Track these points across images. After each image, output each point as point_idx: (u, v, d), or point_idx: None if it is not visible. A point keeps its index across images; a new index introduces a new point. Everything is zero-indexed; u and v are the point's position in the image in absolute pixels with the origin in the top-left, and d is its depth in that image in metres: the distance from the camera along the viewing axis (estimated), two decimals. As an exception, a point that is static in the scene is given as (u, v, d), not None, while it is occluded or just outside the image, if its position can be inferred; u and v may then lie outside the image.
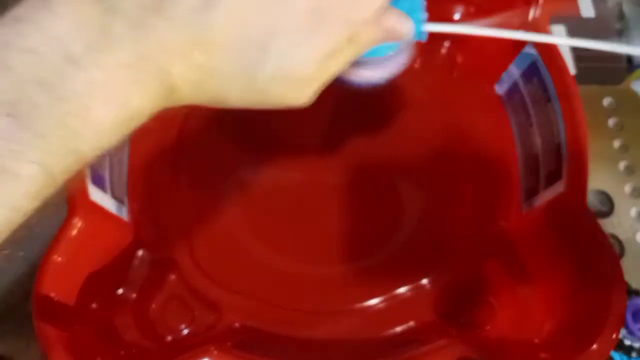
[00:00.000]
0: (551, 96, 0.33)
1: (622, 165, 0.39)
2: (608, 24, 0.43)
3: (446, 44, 0.40)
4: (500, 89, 0.39)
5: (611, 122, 0.40)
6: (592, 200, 0.38)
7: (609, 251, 0.29)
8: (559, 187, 0.31)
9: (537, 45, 0.34)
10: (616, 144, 0.39)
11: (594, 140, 0.39)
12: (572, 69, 0.41)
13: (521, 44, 0.35)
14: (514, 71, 0.37)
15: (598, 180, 0.38)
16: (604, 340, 0.26)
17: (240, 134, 0.38)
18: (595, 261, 0.29)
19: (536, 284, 0.32)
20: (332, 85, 0.40)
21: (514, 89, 0.37)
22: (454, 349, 0.27)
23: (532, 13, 0.35)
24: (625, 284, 0.28)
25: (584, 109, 0.32)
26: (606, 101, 0.40)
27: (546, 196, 0.33)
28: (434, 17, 0.40)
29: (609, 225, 0.37)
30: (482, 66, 0.39)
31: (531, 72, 0.35)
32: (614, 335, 0.27)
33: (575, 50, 0.42)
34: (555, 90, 0.33)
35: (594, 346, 0.26)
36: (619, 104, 0.40)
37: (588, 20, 0.43)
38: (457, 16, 0.40)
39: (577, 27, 0.43)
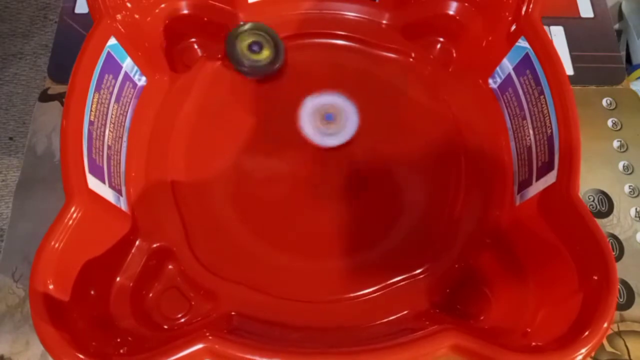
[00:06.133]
0: (544, 88, 0.33)
1: (621, 165, 0.39)
2: (607, 24, 0.44)
3: (441, 38, 0.41)
4: (494, 82, 0.39)
5: (610, 122, 0.40)
6: (591, 199, 0.38)
7: (601, 240, 0.29)
8: (551, 178, 0.32)
9: (529, 38, 0.34)
10: (615, 144, 0.40)
11: (594, 140, 0.39)
12: (570, 70, 0.41)
13: (514, 37, 0.36)
14: (507, 65, 0.37)
15: (597, 180, 0.38)
16: (596, 329, 0.27)
17: (237, 125, 0.39)
18: (587, 250, 0.29)
19: (530, 275, 0.33)
20: (327, 79, 0.41)
21: (507, 82, 0.37)
22: (447, 336, 0.27)
23: (525, 7, 0.35)
24: (617, 272, 0.29)
25: (584, 109, 0.33)
26: (605, 101, 0.41)
27: (538, 187, 0.33)
28: (428, 13, 0.40)
29: (608, 224, 0.37)
30: (476, 60, 0.39)
31: (524, 65, 0.35)
32: (606, 324, 0.27)
33: (574, 51, 0.42)
34: (547, 82, 0.33)
35: (586, 333, 0.27)
36: (618, 104, 0.41)
37: (587, 20, 0.43)
38: (451, 12, 0.40)
39: (576, 27, 0.43)
